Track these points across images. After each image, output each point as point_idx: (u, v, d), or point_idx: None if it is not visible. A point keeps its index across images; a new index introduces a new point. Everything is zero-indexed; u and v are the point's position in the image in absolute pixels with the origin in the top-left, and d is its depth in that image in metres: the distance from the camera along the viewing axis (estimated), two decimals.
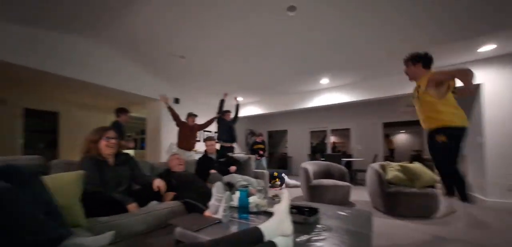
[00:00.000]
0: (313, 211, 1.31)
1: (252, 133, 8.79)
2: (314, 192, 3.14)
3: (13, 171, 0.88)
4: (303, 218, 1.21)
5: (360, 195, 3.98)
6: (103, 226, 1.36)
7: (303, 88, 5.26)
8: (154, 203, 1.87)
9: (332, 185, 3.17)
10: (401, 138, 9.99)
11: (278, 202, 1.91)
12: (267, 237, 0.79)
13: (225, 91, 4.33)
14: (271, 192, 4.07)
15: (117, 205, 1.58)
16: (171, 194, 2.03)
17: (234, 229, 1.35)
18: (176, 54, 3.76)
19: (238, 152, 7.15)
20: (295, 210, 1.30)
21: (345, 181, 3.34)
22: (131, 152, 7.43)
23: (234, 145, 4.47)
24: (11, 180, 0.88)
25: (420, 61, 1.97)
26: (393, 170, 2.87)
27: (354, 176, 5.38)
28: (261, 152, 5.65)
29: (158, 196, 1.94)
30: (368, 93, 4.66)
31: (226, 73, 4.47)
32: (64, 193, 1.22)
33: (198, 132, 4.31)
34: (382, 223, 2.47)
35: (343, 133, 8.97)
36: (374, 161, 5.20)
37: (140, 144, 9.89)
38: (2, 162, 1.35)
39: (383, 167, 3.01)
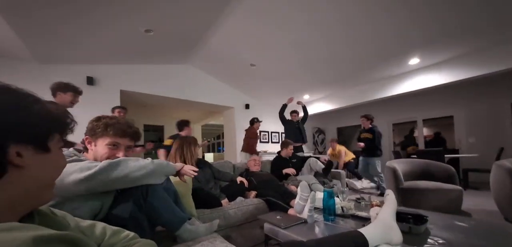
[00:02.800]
0: (420, 219, 1.11)
1: (320, 131, 8.36)
2: (406, 197, 2.64)
3: None
4: (408, 226, 1.04)
5: (477, 203, 3.05)
6: (207, 217, 1.67)
7: (383, 74, 4.54)
8: (240, 199, 2.10)
9: (434, 189, 2.57)
10: None
11: (365, 205, 1.74)
12: (372, 243, 0.73)
13: (290, 96, 4.31)
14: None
15: (214, 200, 1.88)
16: (253, 192, 2.23)
17: (318, 230, 1.33)
18: (247, 63, 4.11)
19: (307, 152, 6.97)
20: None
21: (453, 183, 2.64)
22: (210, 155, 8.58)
23: (303, 145, 4.40)
24: None
25: None
26: None
27: (464, 177, 4.15)
28: (361, 145, 3.97)
29: (242, 193, 2.19)
30: (484, 67, 3.50)
31: (293, 72, 4.48)
32: (181, 189, 1.57)
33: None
34: None
35: (441, 123, 7.12)
36: (499, 157, 3.85)
37: (217, 148, 11.41)
38: None
39: None
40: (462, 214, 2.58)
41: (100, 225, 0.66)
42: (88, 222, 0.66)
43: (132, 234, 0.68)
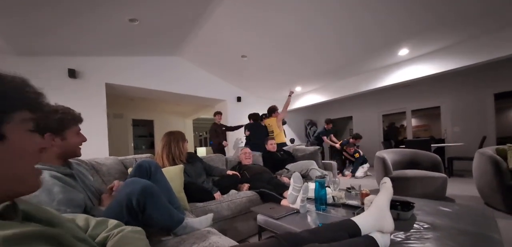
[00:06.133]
0: (408, 205, 1.14)
1: (312, 123, 8.45)
2: (394, 185, 2.71)
3: (147, 165, 1.18)
4: (396, 213, 1.07)
5: (460, 189, 3.19)
6: (200, 210, 1.65)
7: (373, 65, 4.57)
8: (233, 192, 2.10)
9: (421, 177, 2.66)
10: None
11: (356, 194, 1.78)
12: (364, 231, 0.74)
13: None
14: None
15: (206, 193, 1.87)
16: (246, 185, 2.23)
17: (310, 219, 1.35)
18: (238, 55, 4.05)
19: (298, 144, 7.06)
20: None
21: (438, 171, 2.75)
22: (203, 149, 8.51)
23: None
24: (146, 173, 1.19)
25: None
26: None
27: (448, 165, 4.34)
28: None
29: (235, 186, 2.19)
30: (469, 57, 3.58)
31: (284, 64, 4.46)
32: (173, 183, 1.54)
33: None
34: (506, 226, 1.89)
35: (428, 113, 7.37)
36: (481, 146, 4.03)
37: (209, 142, 11.32)
38: (132, 159, 1.84)
39: (501, 152, 2.29)
40: (447, 200, 2.70)
41: (82, 217, 0.63)
42: (70, 216, 0.63)
43: (115, 221, 0.66)
